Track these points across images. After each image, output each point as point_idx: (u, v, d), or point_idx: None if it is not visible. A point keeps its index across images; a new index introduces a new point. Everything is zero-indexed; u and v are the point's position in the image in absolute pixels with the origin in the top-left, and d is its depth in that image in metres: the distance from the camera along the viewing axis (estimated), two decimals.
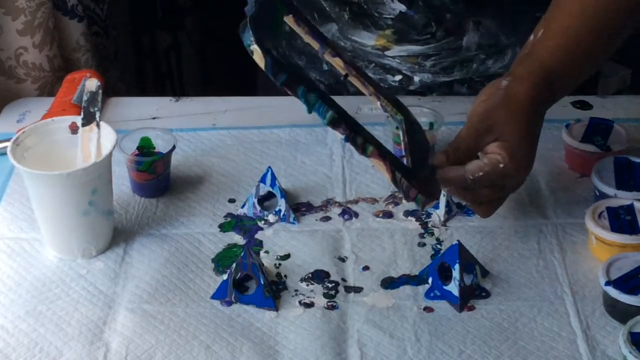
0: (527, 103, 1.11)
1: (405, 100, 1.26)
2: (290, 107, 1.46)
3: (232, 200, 1.30)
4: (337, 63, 1.11)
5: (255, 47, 1.04)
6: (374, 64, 1.46)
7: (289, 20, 1.11)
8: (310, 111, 1.07)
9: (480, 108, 1.12)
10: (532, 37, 1.16)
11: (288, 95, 1.50)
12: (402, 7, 1.40)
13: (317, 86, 1.08)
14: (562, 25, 1.15)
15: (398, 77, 1.47)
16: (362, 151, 1.07)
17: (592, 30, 1.15)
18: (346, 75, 1.11)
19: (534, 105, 1.11)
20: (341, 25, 1.45)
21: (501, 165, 1.09)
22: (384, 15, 1.41)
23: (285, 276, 1.18)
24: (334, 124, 1.06)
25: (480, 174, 1.09)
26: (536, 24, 1.33)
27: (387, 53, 1.45)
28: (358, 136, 1.06)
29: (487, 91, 1.13)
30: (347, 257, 1.21)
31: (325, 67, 1.50)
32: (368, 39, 1.44)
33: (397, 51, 1.44)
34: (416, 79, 1.46)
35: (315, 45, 1.11)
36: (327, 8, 1.45)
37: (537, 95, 1.11)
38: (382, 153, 1.07)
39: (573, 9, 1.15)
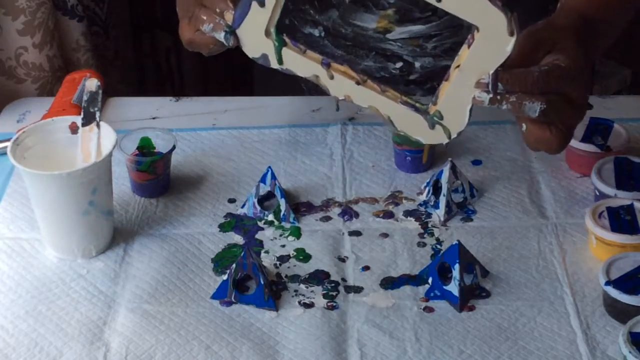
0: (569, 27, 1.09)
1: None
2: (290, 107, 1.47)
3: (232, 200, 1.30)
4: (346, 72, 1.09)
5: None
6: (374, 52, 1.46)
7: (286, 50, 1.10)
8: None
9: (524, 33, 1.09)
10: (558, 4, 1.17)
11: (287, 95, 1.51)
12: None
13: None
14: None
15: (399, 64, 1.46)
16: None
17: None
18: (358, 83, 1.09)
19: (577, 31, 1.10)
20: (342, 10, 1.45)
21: (563, 65, 1.05)
22: None
23: (286, 276, 1.18)
24: None
25: (545, 67, 1.04)
26: (535, 1, 1.33)
27: (388, 36, 1.44)
28: None
29: (525, 30, 1.11)
30: (347, 257, 1.21)
31: None
32: (370, 22, 1.44)
33: (398, 33, 1.44)
34: (417, 64, 1.46)
35: (318, 58, 1.09)
36: None
37: (578, 26, 1.10)
38: None
39: None
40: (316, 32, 1.48)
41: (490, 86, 1.03)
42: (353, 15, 1.44)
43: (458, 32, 1.44)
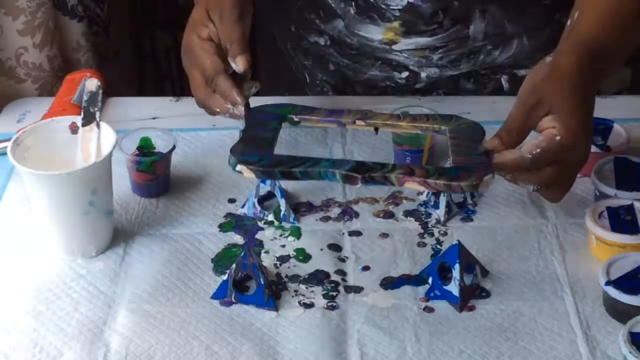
0: (573, 74, 1.09)
1: (406, 100, 1.26)
2: None
3: (232, 200, 1.30)
4: (361, 126, 1.16)
5: (241, 167, 1.08)
6: (380, 62, 1.46)
7: (300, 121, 1.18)
8: (322, 179, 1.08)
9: (527, 84, 1.10)
10: (569, 21, 1.16)
11: (287, 92, 1.51)
12: None
13: (305, 158, 1.09)
14: (597, 1, 1.15)
15: (405, 74, 1.46)
16: (389, 182, 1.07)
17: (629, 1, 1.16)
18: (376, 128, 1.16)
19: (581, 77, 1.10)
20: (347, 21, 1.45)
21: (558, 138, 1.06)
22: (392, 7, 1.41)
23: (286, 276, 1.18)
24: (347, 180, 1.07)
25: (538, 150, 1.06)
26: (542, 12, 1.32)
27: (394, 47, 1.44)
28: (374, 174, 1.07)
29: (534, 69, 1.12)
30: (347, 257, 1.21)
31: (331, 67, 1.50)
32: (375, 33, 1.44)
33: (404, 45, 1.44)
34: (423, 74, 1.46)
35: (332, 125, 1.17)
36: (333, 4, 1.44)
37: (583, 68, 1.10)
38: (405, 172, 1.07)
39: None
40: (322, 41, 1.49)
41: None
42: (358, 27, 1.44)
43: (464, 43, 1.44)
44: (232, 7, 1.24)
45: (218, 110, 1.22)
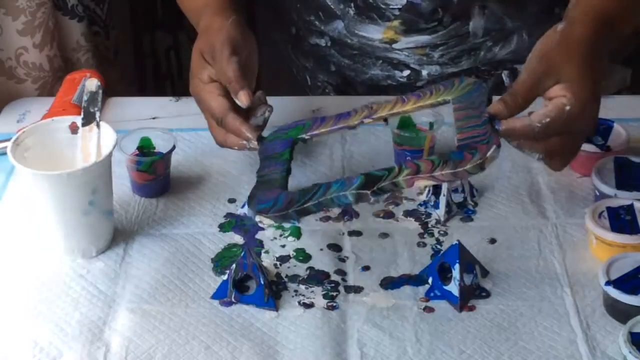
0: (584, 43, 1.10)
1: None
2: (291, 107, 1.47)
3: (232, 200, 1.30)
4: (369, 122, 1.19)
5: (259, 218, 1.13)
6: (381, 60, 1.46)
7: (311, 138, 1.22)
8: (337, 206, 1.12)
9: (537, 52, 1.10)
10: None
11: (287, 95, 1.51)
12: None
13: (316, 189, 1.12)
14: None
15: (406, 72, 1.47)
16: (399, 188, 1.10)
17: None
18: (386, 120, 1.20)
19: (592, 45, 1.10)
20: (347, 22, 1.45)
21: (567, 108, 1.07)
22: (391, 6, 1.41)
23: (286, 276, 1.18)
24: (360, 198, 1.10)
25: (547, 119, 1.07)
26: (541, 7, 1.33)
27: (394, 46, 1.45)
28: (382, 185, 1.09)
29: (544, 37, 1.12)
30: (347, 257, 1.21)
31: (332, 68, 1.51)
32: (375, 33, 1.44)
33: (404, 43, 1.44)
34: (424, 72, 1.46)
35: (341, 131, 1.22)
36: (332, 6, 1.45)
37: (594, 35, 1.11)
38: (411, 171, 1.09)
39: None
40: (322, 42, 1.49)
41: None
42: (358, 27, 1.45)
43: (464, 40, 1.44)
44: (222, 45, 1.22)
45: (237, 148, 1.23)
